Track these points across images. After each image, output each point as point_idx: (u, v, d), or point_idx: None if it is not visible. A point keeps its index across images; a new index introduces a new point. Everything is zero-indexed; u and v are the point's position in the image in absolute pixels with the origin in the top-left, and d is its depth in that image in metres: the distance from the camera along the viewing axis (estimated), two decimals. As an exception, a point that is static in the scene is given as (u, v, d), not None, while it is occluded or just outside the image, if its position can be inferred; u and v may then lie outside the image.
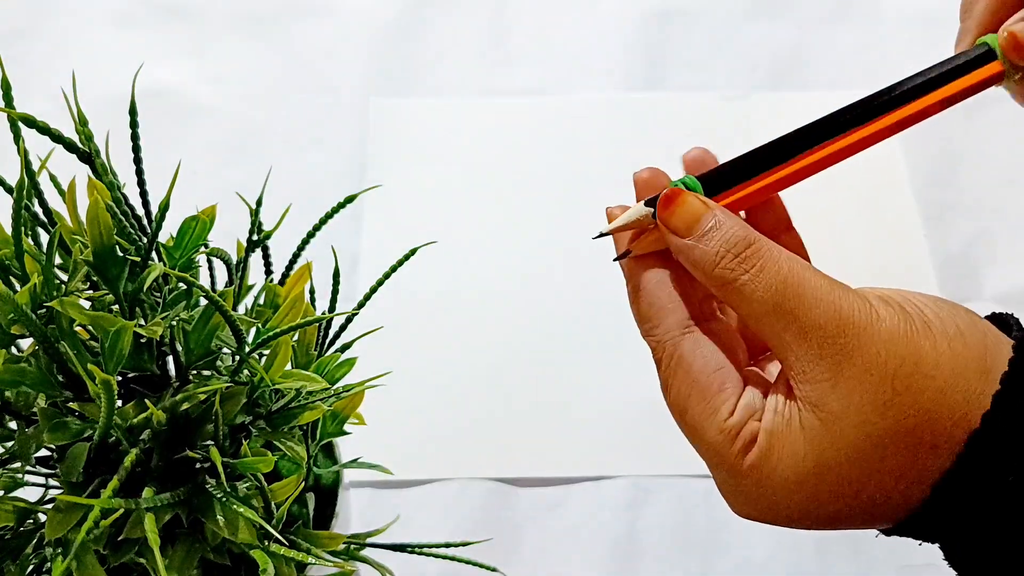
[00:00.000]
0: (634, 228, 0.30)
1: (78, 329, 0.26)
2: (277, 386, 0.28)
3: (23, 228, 0.26)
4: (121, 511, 0.23)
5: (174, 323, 0.28)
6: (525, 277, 0.53)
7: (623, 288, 0.29)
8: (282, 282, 0.33)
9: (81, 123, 0.27)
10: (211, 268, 0.34)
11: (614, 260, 0.31)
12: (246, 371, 0.30)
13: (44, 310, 0.25)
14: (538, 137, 0.58)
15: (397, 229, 0.54)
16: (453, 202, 0.56)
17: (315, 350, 0.33)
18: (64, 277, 0.27)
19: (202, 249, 0.30)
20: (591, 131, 0.58)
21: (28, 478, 0.28)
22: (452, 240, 0.54)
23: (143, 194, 0.31)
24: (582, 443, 0.49)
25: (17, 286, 0.26)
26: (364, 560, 0.32)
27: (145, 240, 0.28)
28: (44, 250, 0.26)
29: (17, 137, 0.26)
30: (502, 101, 0.59)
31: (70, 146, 0.26)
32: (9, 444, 0.26)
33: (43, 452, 0.27)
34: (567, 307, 0.52)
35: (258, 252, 0.32)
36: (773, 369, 0.29)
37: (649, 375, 0.28)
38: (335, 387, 0.32)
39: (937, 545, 0.26)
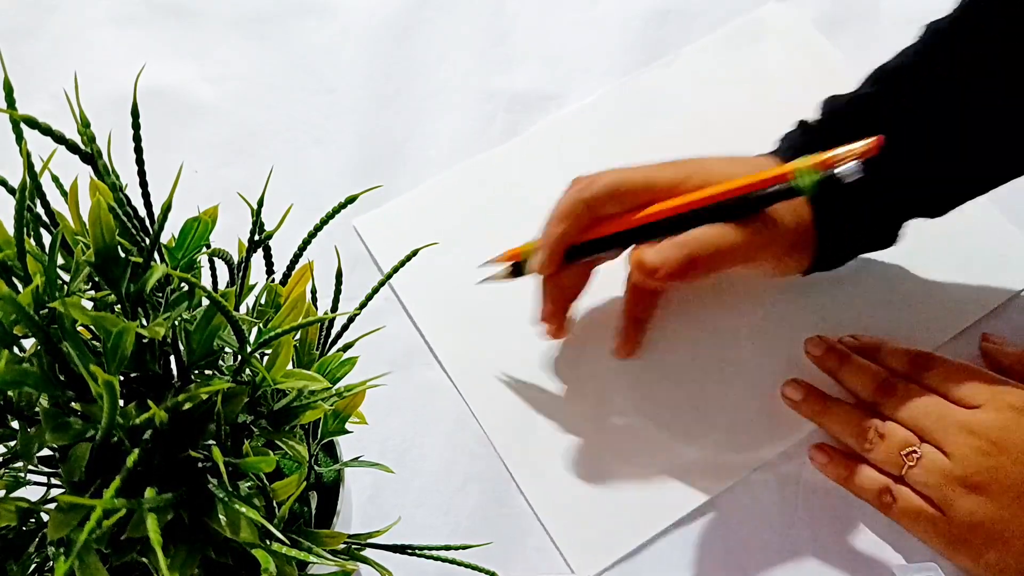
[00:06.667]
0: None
1: (80, 330, 0.26)
2: (279, 386, 0.29)
3: (25, 229, 0.26)
4: (123, 511, 0.23)
5: (176, 323, 0.28)
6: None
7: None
8: (283, 282, 0.33)
9: (83, 124, 0.27)
10: (213, 268, 0.34)
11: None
12: (248, 371, 0.30)
13: (46, 311, 0.25)
14: (540, 168, 0.57)
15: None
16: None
17: (317, 350, 0.33)
18: (66, 278, 0.27)
19: (204, 249, 0.30)
20: (592, 138, 0.58)
21: (30, 478, 0.28)
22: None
23: (145, 195, 0.31)
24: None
25: (20, 287, 0.27)
26: (365, 560, 0.32)
27: (147, 241, 0.28)
28: (46, 251, 0.26)
29: (19, 138, 0.26)
30: (489, 153, 0.58)
31: (72, 147, 0.26)
32: (11, 444, 0.26)
33: (45, 452, 0.27)
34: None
35: (259, 252, 0.33)
36: None
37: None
38: (336, 387, 0.32)
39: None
